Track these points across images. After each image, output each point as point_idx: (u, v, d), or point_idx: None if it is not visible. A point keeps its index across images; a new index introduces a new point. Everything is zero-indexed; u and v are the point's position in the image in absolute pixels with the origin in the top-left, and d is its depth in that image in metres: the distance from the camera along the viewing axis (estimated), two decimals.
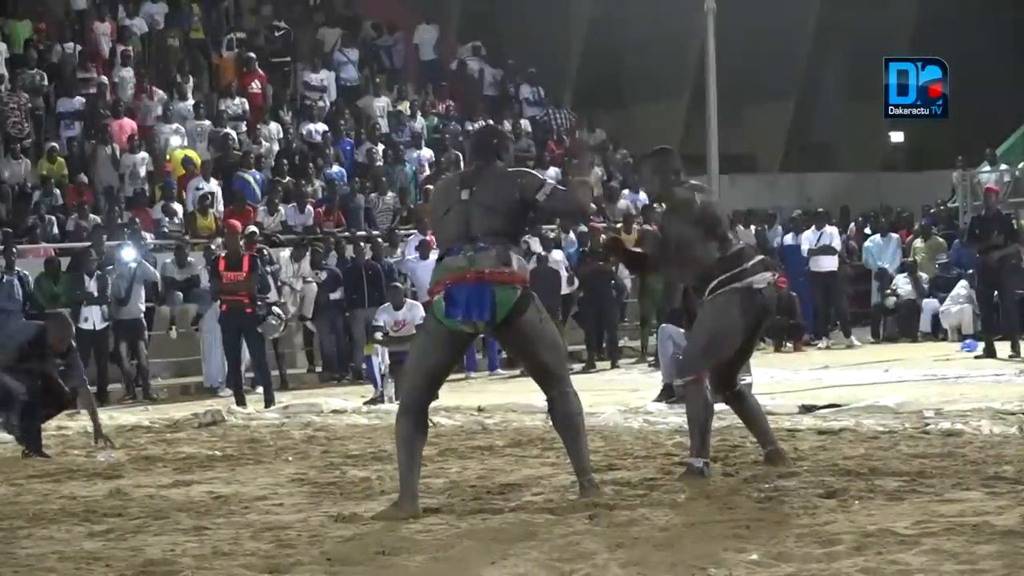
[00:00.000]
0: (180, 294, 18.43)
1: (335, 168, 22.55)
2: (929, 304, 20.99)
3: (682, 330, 12.38)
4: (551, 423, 7.87)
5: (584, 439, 7.70)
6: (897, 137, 32.06)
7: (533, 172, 7.96)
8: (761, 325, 8.47)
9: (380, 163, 23.04)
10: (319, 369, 18.90)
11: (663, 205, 8.65)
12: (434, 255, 18.34)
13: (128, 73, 22.60)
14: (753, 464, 8.64)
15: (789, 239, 21.94)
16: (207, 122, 22.40)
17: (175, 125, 22.08)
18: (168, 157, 21.59)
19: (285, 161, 22.23)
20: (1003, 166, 24.49)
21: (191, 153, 21.49)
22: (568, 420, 7.60)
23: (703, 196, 8.41)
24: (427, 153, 23.82)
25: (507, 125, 25.49)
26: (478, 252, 7.36)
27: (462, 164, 23.64)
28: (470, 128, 25.12)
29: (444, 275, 7.42)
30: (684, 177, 8.51)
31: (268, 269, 17.24)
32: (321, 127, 23.29)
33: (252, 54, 23.87)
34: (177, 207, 20.31)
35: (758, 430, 8.64)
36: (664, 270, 8.90)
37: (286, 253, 19.08)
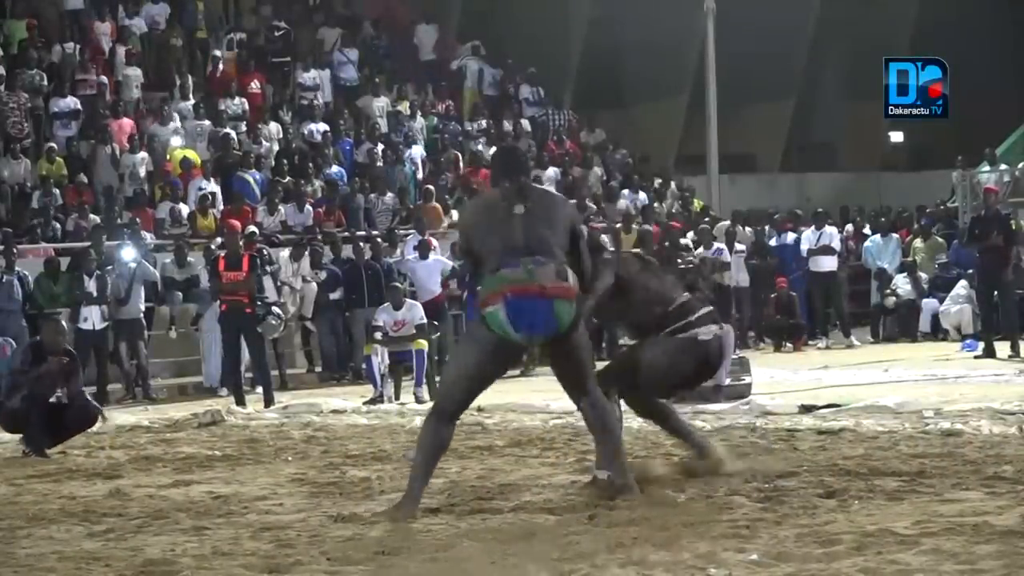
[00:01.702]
0: (180, 294, 18.41)
1: (334, 168, 22.53)
2: (929, 304, 20.97)
3: None
4: (587, 428, 7.90)
5: (620, 442, 7.80)
6: (897, 137, 32.06)
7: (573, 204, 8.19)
8: (700, 377, 8.61)
9: (380, 163, 23.02)
10: (319, 369, 18.89)
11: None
12: (434, 255, 18.56)
13: (132, 72, 22.59)
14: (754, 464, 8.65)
15: (773, 241, 21.99)
16: (207, 122, 22.39)
17: (175, 125, 22.08)
18: (168, 157, 21.58)
19: (285, 161, 22.22)
20: (1003, 166, 24.48)
21: (191, 153, 21.48)
22: (605, 427, 7.69)
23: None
24: (417, 151, 23.75)
25: (507, 125, 25.52)
26: (537, 266, 7.35)
27: (461, 164, 23.69)
28: (468, 128, 25.23)
29: (502, 286, 7.35)
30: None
31: (268, 269, 17.22)
32: (321, 127, 23.27)
33: (218, 52, 23.78)
34: (183, 207, 20.28)
35: (685, 438, 8.70)
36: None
37: (286, 253, 19.06)
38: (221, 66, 23.60)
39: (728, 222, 22.13)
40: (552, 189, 8.28)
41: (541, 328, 7.36)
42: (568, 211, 7.67)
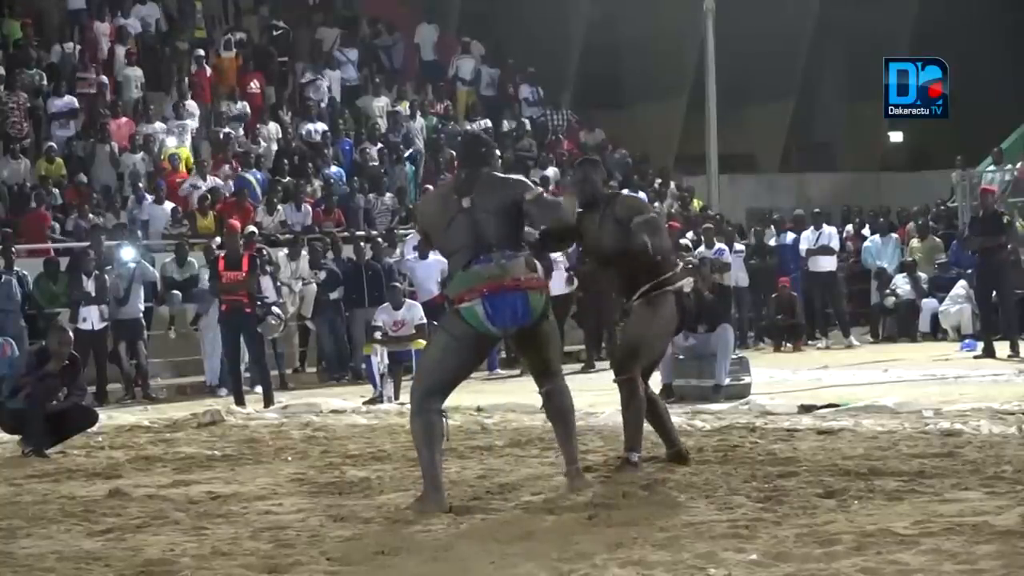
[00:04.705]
0: (179, 294, 18.39)
1: (334, 168, 22.53)
2: (928, 304, 20.98)
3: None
4: (545, 413, 8.12)
5: (575, 430, 8.04)
6: (897, 137, 32.07)
7: (523, 179, 8.33)
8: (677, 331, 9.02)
9: (376, 163, 23.00)
10: (318, 369, 18.88)
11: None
12: (434, 255, 18.52)
13: (131, 72, 22.59)
14: (753, 464, 8.66)
15: (773, 241, 22.03)
16: (201, 122, 22.36)
17: (170, 124, 22.05)
18: (163, 157, 21.57)
19: (285, 161, 22.21)
20: (1005, 165, 24.46)
21: (184, 152, 21.47)
22: (564, 413, 7.93)
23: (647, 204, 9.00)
24: (415, 151, 23.72)
25: (507, 125, 25.52)
26: (509, 260, 7.59)
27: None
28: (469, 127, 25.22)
29: (477, 283, 7.56)
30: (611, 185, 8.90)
31: (268, 269, 17.20)
32: (321, 127, 23.27)
33: (202, 52, 23.74)
34: (171, 206, 20.25)
35: (663, 431, 8.83)
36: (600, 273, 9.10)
37: (284, 253, 19.04)
38: (207, 66, 23.53)
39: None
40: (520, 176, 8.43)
41: (519, 319, 7.62)
42: (512, 193, 7.74)
